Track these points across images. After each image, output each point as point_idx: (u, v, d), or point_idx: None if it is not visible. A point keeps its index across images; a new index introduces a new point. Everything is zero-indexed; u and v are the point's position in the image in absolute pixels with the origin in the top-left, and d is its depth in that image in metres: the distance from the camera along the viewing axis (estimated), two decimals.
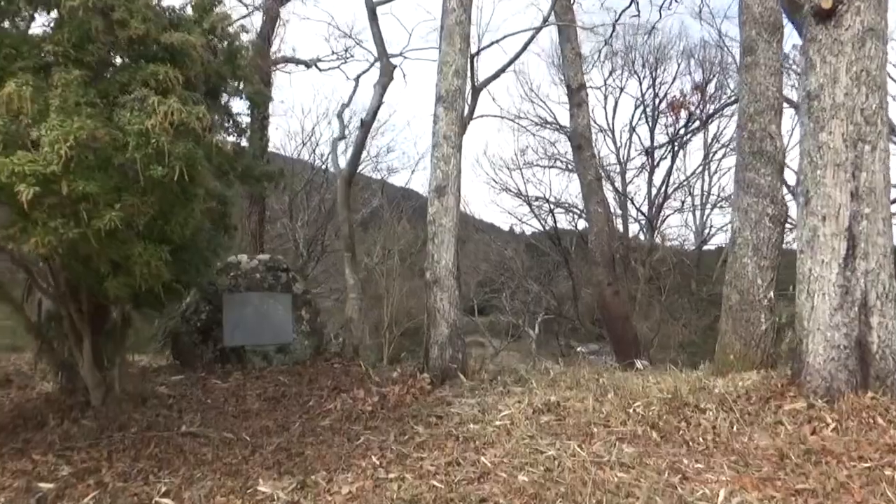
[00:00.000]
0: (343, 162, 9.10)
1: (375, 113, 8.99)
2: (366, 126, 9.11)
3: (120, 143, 3.90)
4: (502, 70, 9.86)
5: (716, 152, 20.87)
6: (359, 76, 12.08)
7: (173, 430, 5.75)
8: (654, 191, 21.87)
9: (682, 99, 17.07)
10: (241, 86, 6.00)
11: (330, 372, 7.93)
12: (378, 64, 9.40)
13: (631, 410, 5.86)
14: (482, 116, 16.46)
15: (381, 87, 8.97)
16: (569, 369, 8.63)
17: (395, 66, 9.08)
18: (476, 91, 9.47)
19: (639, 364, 9.59)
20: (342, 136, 10.62)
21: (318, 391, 7.10)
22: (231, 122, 5.80)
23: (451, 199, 7.33)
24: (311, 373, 7.84)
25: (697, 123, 17.30)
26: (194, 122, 4.04)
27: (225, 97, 5.86)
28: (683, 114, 16.98)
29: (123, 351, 6.36)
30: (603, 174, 15.44)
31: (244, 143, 6.99)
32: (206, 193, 4.86)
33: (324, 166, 19.81)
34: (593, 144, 14.06)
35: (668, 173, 21.68)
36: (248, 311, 7.99)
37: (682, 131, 18.86)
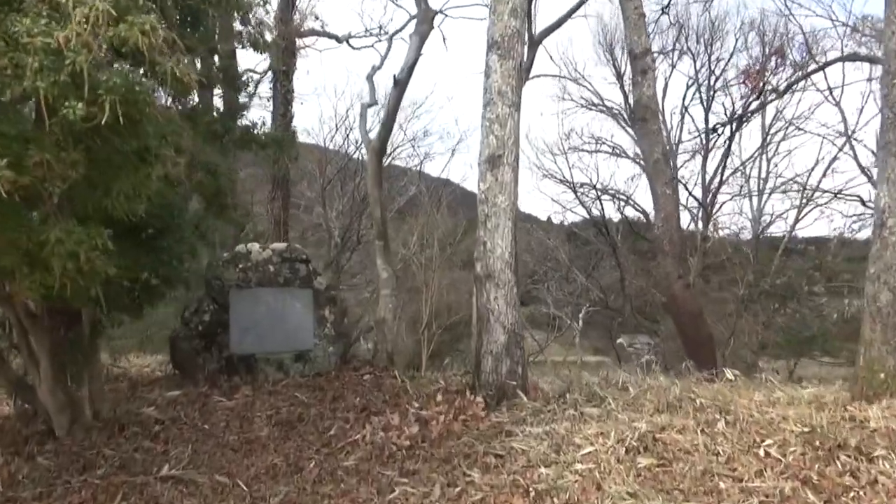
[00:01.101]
0: (374, 132, 7.68)
1: (412, 69, 7.50)
2: (400, 85, 7.61)
3: (17, 65, 2.49)
4: (566, 17, 8.25)
5: (777, 132, 18.89)
6: (393, 35, 10.49)
7: (151, 472, 4.40)
8: (706, 176, 19.91)
9: (757, 67, 15.10)
10: (242, 23, 4.58)
11: (358, 386, 6.51)
12: (415, 19, 7.90)
13: (761, 452, 4.32)
14: (540, 76, 14.63)
15: (418, 38, 7.47)
16: (650, 384, 7.09)
17: (435, 13, 7.54)
18: (533, 44, 7.91)
19: (729, 374, 7.94)
20: (373, 103, 9.15)
21: (342, 413, 5.68)
22: (219, 71, 4.36)
23: (507, 173, 5.81)
24: (336, 387, 6.43)
25: (773, 96, 15.31)
26: (136, 36, 2.60)
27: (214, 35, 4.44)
28: (758, 84, 15.01)
29: (95, 365, 5.04)
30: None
31: (247, 107, 5.60)
32: (186, 160, 3.46)
33: (357, 153, 18.48)
34: (659, 117, 12.31)
35: (725, 155, 19.70)
36: (259, 311, 6.62)
37: (749, 105, 16.87)
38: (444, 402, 5.86)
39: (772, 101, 15.40)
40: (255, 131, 5.12)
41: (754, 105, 16.08)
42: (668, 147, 15.49)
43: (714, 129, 16.57)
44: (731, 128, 18.56)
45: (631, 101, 16.93)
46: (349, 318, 13.99)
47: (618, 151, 21.95)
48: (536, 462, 4.44)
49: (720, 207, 21.55)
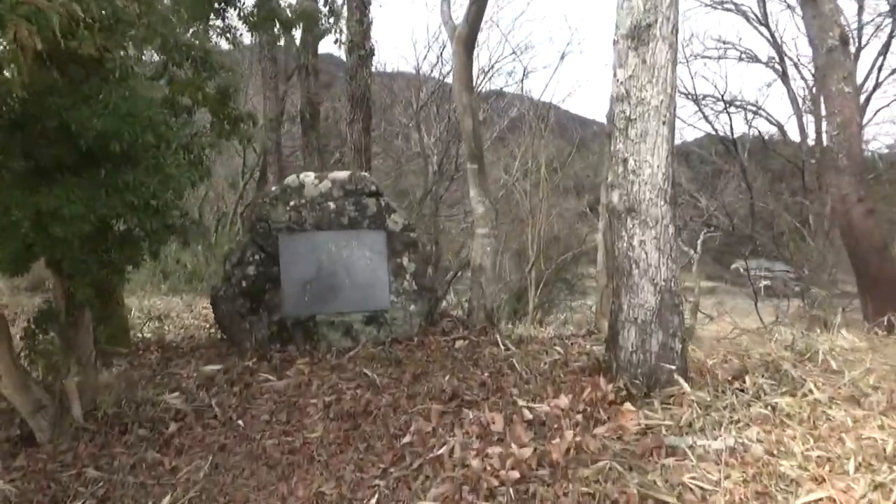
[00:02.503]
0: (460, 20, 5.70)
1: None
2: None
3: None
4: None
5: None
6: None
7: None
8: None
9: None
10: None
11: (448, 358, 4.91)
12: None
13: None
14: None
15: None
16: (841, 346, 5.08)
17: None
18: None
19: None
20: None
21: (424, 403, 4.10)
22: None
23: (661, 50, 3.80)
24: (419, 360, 4.86)
25: None
26: None
27: None
28: None
29: (83, 348, 3.66)
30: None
31: None
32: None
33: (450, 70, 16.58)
34: None
35: (886, 48, 15.99)
36: (318, 261, 5.10)
37: None
38: (568, 389, 4.14)
39: None
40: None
41: None
42: (847, 31, 12.36)
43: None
44: None
45: None
46: (439, 261, 12.45)
47: (748, 56, 18.80)
48: None
49: (874, 116, 17.94)
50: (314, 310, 5.08)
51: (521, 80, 16.08)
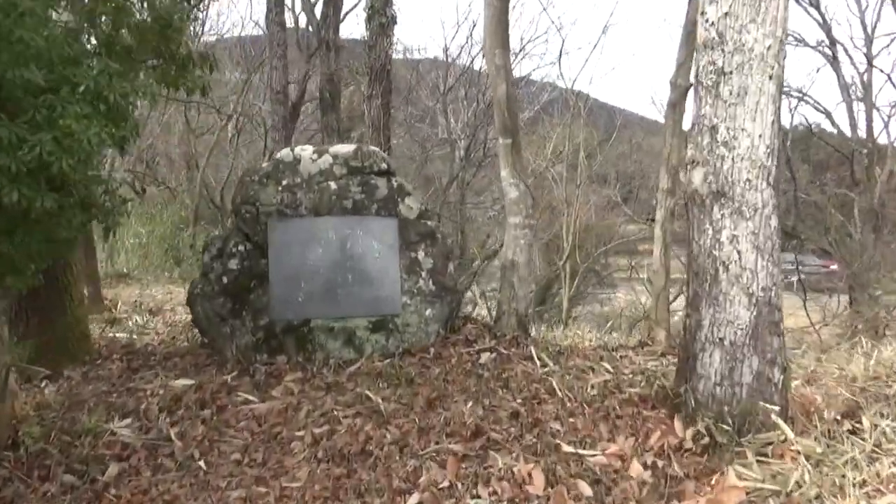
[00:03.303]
0: None
1: None
2: None
3: None
4: None
5: None
6: None
7: None
8: None
9: None
10: None
11: (471, 377, 3.97)
12: None
13: None
14: None
15: None
16: None
17: None
18: None
19: None
20: None
21: (439, 441, 3.17)
22: None
23: None
24: (434, 379, 3.92)
25: None
26: None
27: None
28: None
29: None
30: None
31: None
32: None
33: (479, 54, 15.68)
34: None
35: None
36: (314, 253, 4.18)
37: None
38: (626, 427, 3.18)
39: None
40: None
41: None
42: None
43: None
44: None
45: None
46: (463, 253, 11.41)
47: (796, 39, 17.43)
48: None
49: None
50: (309, 313, 4.16)
51: (558, 58, 14.85)
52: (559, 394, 3.71)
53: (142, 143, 21.96)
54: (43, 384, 3.78)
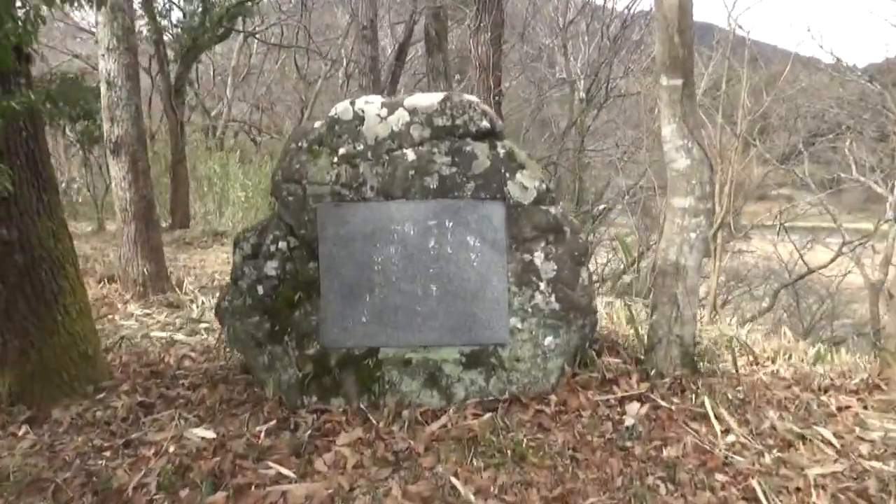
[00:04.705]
0: None
1: None
2: None
3: None
4: None
5: None
6: None
7: None
8: None
9: None
10: None
11: (615, 458, 2.56)
12: None
13: None
14: None
15: None
16: None
17: None
18: None
19: None
20: None
21: None
22: None
23: None
24: (555, 454, 2.56)
25: None
26: None
27: None
28: None
29: None
30: None
31: None
32: None
33: None
34: None
35: None
36: (385, 254, 2.88)
37: None
38: None
39: None
40: None
41: None
42: None
43: None
44: None
45: None
46: (583, 199, 9.96)
47: None
48: None
49: None
50: (376, 339, 2.90)
51: None
52: (759, 491, 2.26)
53: (257, 89, 21.67)
54: (22, 430, 2.80)
